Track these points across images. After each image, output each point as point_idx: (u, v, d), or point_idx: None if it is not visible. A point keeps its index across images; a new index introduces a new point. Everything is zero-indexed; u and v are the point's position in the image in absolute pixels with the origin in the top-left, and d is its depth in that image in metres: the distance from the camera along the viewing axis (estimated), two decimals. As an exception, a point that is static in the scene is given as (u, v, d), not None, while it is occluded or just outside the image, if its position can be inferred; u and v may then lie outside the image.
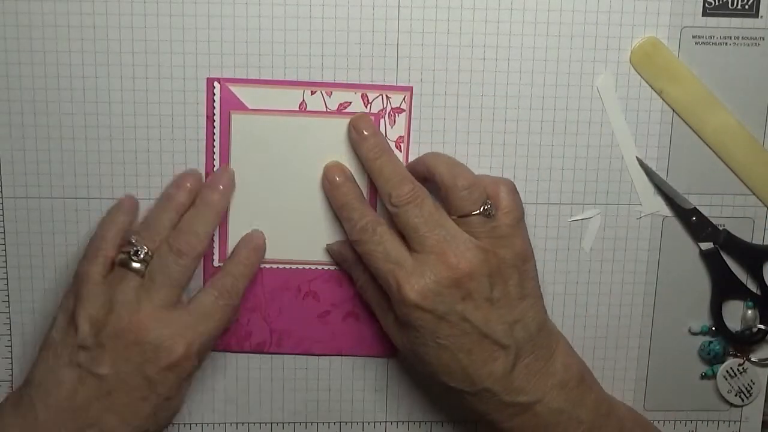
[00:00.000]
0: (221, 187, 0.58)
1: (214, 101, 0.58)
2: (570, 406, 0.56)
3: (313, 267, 0.62)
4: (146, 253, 0.55)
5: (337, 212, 0.59)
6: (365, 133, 0.58)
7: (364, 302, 0.62)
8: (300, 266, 0.61)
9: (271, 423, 0.64)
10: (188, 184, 0.58)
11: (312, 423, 0.64)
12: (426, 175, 0.57)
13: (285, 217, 0.60)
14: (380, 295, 0.58)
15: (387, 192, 0.56)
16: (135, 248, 0.55)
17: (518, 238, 0.56)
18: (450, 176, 0.55)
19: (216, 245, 0.61)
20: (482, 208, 0.55)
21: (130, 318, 0.53)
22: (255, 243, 0.59)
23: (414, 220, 0.55)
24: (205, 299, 0.56)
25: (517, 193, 0.57)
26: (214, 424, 0.64)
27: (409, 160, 0.60)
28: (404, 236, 0.56)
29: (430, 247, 0.54)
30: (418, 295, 0.53)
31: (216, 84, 0.58)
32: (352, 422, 0.64)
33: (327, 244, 0.61)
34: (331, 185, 0.59)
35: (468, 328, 0.54)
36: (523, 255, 0.56)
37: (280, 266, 0.61)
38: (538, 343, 0.56)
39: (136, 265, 0.55)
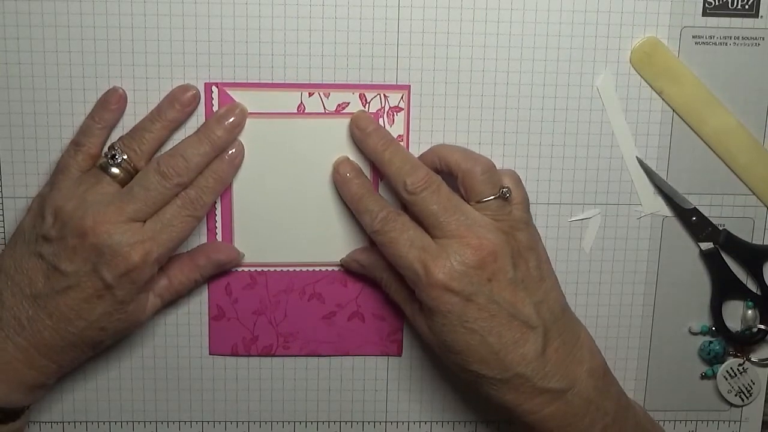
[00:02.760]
0: (228, 123, 0.57)
1: (212, 106, 0.58)
2: (598, 396, 0.56)
3: (316, 269, 0.62)
4: (124, 160, 0.56)
5: (353, 205, 0.59)
6: (368, 129, 0.58)
7: (369, 302, 0.62)
8: (304, 268, 0.62)
9: (271, 422, 0.64)
10: (182, 98, 0.58)
11: (312, 423, 0.64)
12: (437, 166, 0.57)
13: (287, 219, 0.60)
14: (405, 288, 0.58)
15: (401, 180, 0.56)
16: (113, 152, 0.56)
17: (530, 224, 0.57)
18: (468, 161, 0.56)
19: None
20: (500, 191, 0.55)
21: (95, 219, 0.53)
22: (229, 155, 0.58)
23: (432, 206, 0.55)
24: (169, 209, 0.56)
25: (521, 182, 0.58)
26: (214, 422, 0.64)
27: (410, 159, 0.60)
28: (423, 224, 0.55)
29: (451, 232, 0.54)
30: (446, 276, 0.53)
31: (214, 88, 0.58)
32: (352, 422, 0.64)
33: (341, 259, 0.61)
34: (342, 179, 0.59)
35: (496, 310, 0.54)
36: (537, 238, 0.57)
37: (284, 269, 0.61)
38: (564, 326, 0.56)
39: (113, 170, 0.55)
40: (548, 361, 0.55)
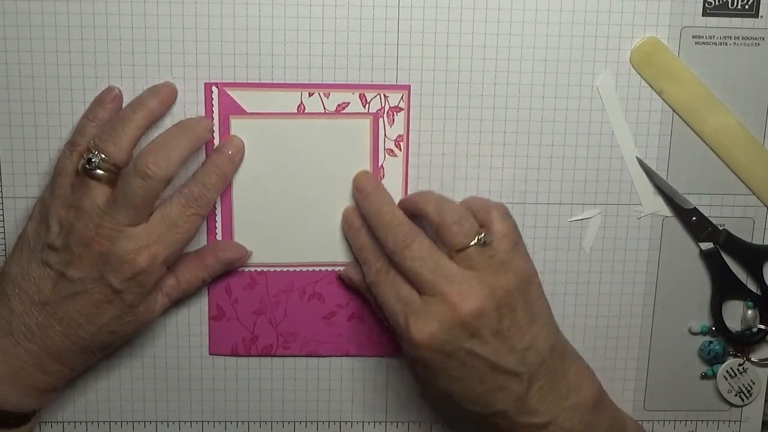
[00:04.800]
0: (211, 120, 0.57)
1: (212, 106, 0.58)
2: (584, 428, 0.56)
3: (316, 269, 0.62)
4: (103, 159, 0.54)
5: (356, 254, 0.59)
6: (367, 190, 0.59)
7: (369, 302, 0.62)
8: (304, 268, 0.62)
9: (271, 422, 0.64)
10: (163, 92, 0.57)
11: (312, 423, 0.64)
12: (417, 214, 0.57)
13: (287, 219, 0.60)
14: None
15: (385, 239, 0.56)
16: (89, 156, 0.54)
17: (518, 260, 0.55)
18: (437, 214, 0.55)
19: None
20: (477, 239, 0.54)
21: (96, 230, 0.53)
22: (230, 153, 0.58)
23: (411, 264, 0.54)
24: (172, 208, 0.55)
25: (510, 215, 0.57)
26: (214, 422, 0.64)
27: (409, 159, 0.60)
28: (408, 280, 0.55)
29: (432, 290, 0.54)
30: (426, 336, 0.53)
31: (214, 89, 0.58)
32: (352, 422, 0.64)
33: (339, 270, 0.61)
34: (350, 228, 0.59)
35: (478, 362, 0.54)
36: (527, 277, 0.55)
37: (284, 269, 0.61)
38: (551, 365, 0.56)
39: (97, 172, 0.54)
40: (531, 399, 0.55)
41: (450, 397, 0.55)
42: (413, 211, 0.58)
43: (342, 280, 0.62)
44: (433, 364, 0.54)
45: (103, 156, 0.54)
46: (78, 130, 0.57)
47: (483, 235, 0.54)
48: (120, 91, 0.58)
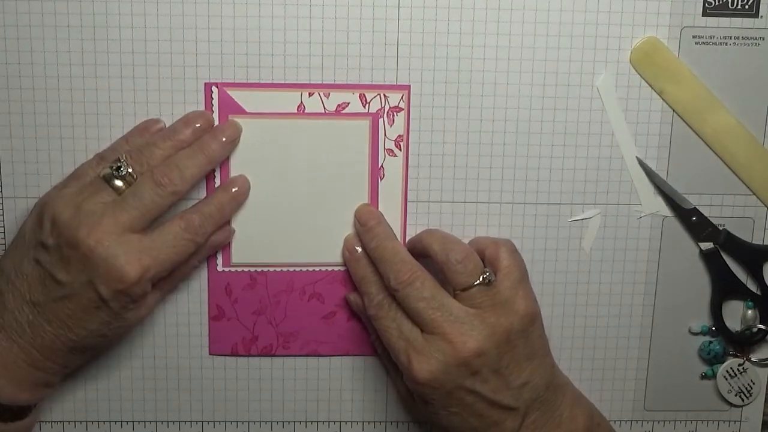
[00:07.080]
0: (224, 138, 0.57)
1: (212, 106, 0.58)
2: None
3: (316, 269, 0.62)
4: (129, 174, 0.55)
5: (357, 284, 0.60)
6: (369, 224, 0.59)
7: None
8: (303, 268, 0.61)
9: (271, 422, 0.64)
10: (197, 124, 0.57)
11: (312, 423, 0.64)
12: (424, 253, 0.58)
13: (287, 219, 0.60)
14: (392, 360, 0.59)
15: (387, 276, 0.56)
16: (119, 165, 0.55)
17: (521, 298, 0.56)
18: (443, 252, 0.56)
19: (219, 250, 0.61)
20: (481, 278, 0.55)
21: (88, 231, 0.53)
22: (234, 191, 0.59)
23: (414, 303, 0.55)
24: (171, 228, 0.55)
25: (518, 252, 0.57)
26: (214, 422, 0.64)
27: (409, 159, 0.60)
28: (410, 318, 0.56)
29: (434, 329, 0.54)
30: (427, 374, 0.54)
31: (214, 88, 0.58)
32: (352, 422, 0.64)
33: (346, 294, 0.62)
34: (351, 256, 0.60)
35: (477, 399, 0.55)
36: (530, 316, 0.56)
37: (284, 269, 0.61)
38: (545, 399, 0.57)
39: (117, 182, 0.55)
40: (524, 431, 0.56)
41: (447, 430, 0.56)
42: (419, 249, 0.58)
43: (342, 280, 0.62)
44: (433, 400, 0.55)
45: (130, 170, 0.55)
46: (113, 147, 0.58)
47: (487, 274, 0.55)
48: (164, 124, 0.58)
